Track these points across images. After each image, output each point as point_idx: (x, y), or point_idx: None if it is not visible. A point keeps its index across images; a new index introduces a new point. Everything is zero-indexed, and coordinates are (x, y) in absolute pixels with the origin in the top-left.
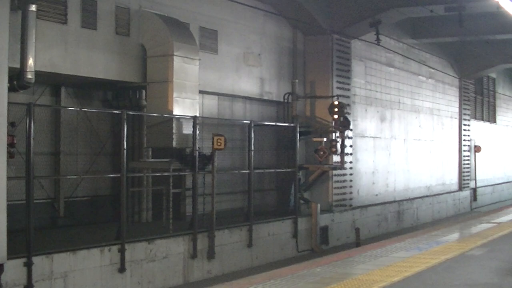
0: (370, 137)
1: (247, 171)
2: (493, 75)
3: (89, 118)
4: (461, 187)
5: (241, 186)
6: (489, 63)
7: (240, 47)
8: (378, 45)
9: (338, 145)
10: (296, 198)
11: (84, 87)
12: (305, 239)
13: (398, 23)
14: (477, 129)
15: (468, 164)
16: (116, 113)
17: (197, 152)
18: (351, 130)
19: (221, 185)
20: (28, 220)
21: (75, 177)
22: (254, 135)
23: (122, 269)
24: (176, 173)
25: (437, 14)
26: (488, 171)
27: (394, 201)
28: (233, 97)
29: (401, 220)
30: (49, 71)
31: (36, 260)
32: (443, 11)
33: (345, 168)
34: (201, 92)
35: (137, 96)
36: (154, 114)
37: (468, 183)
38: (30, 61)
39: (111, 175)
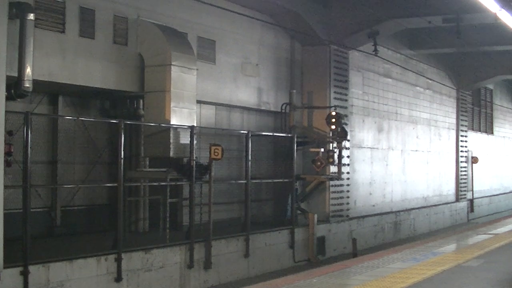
0: (368, 147)
1: (244, 181)
2: (491, 86)
3: (86, 127)
4: (458, 198)
5: (238, 196)
6: (486, 74)
7: (238, 57)
8: (376, 55)
9: (336, 155)
10: (293, 208)
11: (82, 96)
12: (302, 250)
13: (396, 34)
14: (475, 140)
15: (465, 175)
16: (114, 122)
17: (194, 162)
18: (348, 140)
19: (218, 195)
20: (25, 229)
21: (72, 186)
22: (251, 145)
23: (118, 279)
24: (173, 183)
25: (435, 25)
26: (485, 182)
27: (391, 212)
28: (230, 107)
29: (398, 231)
30: (47, 80)
31: (32, 269)
32: (441, 22)
33: (342, 179)
34: (198, 102)
35: (135, 106)
36: (152, 124)
37: (465, 194)
38: (28, 70)
39: (108, 184)
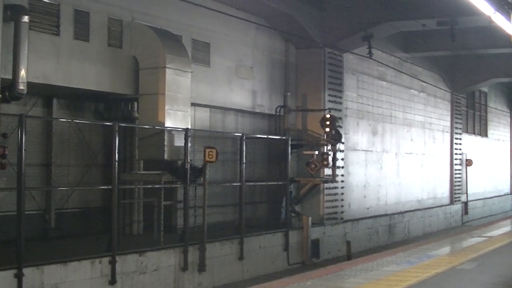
0: (362, 150)
1: (239, 184)
2: (485, 89)
3: (81, 130)
4: (452, 201)
5: (233, 199)
6: (481, 77)
7: (233, 59)
8: (370, 58)
9: (330, 158)
10: (288, 211)
11: (76, 99)
12: (296, 252)
13: (390, 37)
14: (469, 143)
15: (459, 177)
16: (108, 125)
17: (188, 165)
18: (342, 143)
19: (212, 198)
20: (19, 231)
21: (66, 188)
22: (245, 148)
23: (113, 281)
24: (168, 186)
25: (429, 28)
26: (480, 185)
27: (385, 215)
28: (225, 109)
29: (392, 233)
30: (41, 82)
31: (26, 271)
32: (435, 25)
33: (336, 181)
34: (193, 104)
35: (129, 108)
36: (146, 126)
37: (459, 197)
38: (23, 72)
39: (103, 187)
